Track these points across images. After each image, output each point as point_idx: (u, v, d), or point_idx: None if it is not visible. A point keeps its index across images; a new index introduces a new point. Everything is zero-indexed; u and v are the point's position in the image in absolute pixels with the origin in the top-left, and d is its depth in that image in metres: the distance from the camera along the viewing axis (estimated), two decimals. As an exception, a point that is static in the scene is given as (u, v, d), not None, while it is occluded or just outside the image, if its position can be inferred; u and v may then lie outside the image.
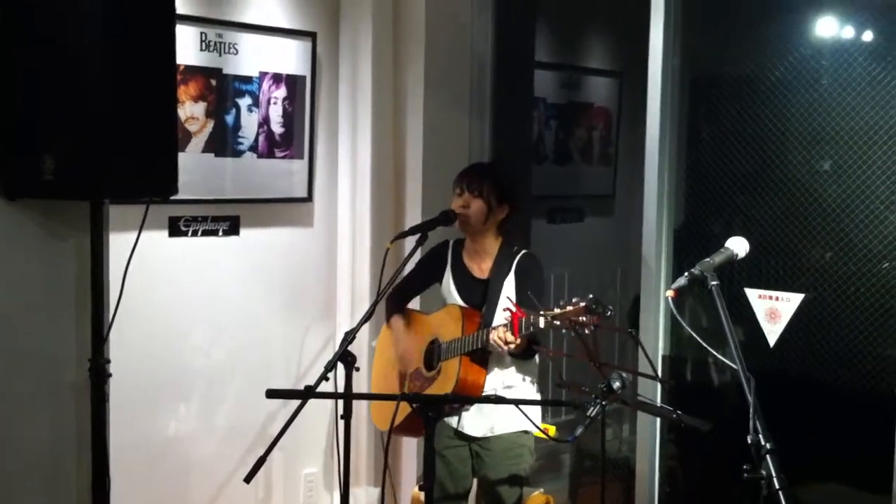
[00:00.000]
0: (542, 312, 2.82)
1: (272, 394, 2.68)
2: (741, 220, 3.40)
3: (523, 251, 3.36)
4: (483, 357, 3.26)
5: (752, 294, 3.30)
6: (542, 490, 3.71)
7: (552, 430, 3.27)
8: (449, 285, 3.43)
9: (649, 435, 3.61)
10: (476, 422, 3.32)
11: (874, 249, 3.07)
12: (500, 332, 3.06)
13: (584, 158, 5.39)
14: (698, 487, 3.72)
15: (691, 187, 3.60)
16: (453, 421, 3.35)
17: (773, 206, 3.32)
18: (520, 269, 3.31)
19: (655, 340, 3.56)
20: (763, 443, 2.03)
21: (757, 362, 3.19)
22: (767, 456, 2.01)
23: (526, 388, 3.34)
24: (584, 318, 2.71)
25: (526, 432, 3.31)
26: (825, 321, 3.18)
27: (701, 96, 3.63)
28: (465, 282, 3.41)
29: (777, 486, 1.96)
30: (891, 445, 2.96)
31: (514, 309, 2.97)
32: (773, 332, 3.26)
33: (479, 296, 3.34)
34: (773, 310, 3.25)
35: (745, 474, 2.00)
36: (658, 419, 3.61)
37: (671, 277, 3.53)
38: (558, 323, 2.77)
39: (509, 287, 3.29)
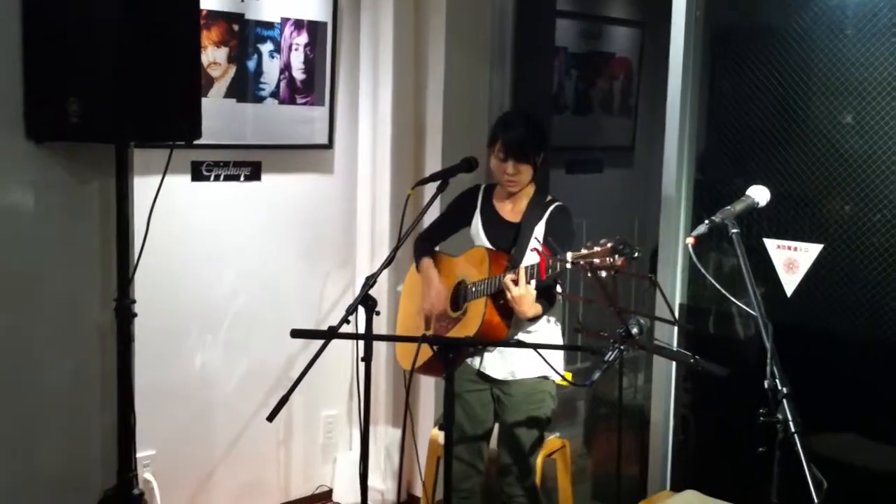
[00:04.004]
0: (568, 253, 2.82)
1: (297, 334, 2.72)
2: (762, 171, 3.39)
3: (557, 203, 3.35)
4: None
5: (771, 244, 3.31)
6: (558, 434, 3.77)
7: (568, 376, 3.31)
8: (478, 228, 3.44)
9: (664, 383, 3.65)
10: (498, 364, 3.35)
11: (895, 201, 3.07)
12: (513, 276, 3.07)
13: (604, 109, 5.38)
14: (712, 436, 3.76)
15: (712, 138, 3.60)
16: (475, 362, 3.39)
17: (794, 157, 3.31)
18: (551, 220, 3.31)
19: (673, 290, 3.58)
20: (780, 387, 2.04)
21: (774, 312, 3.19)
22: (784, 400, 2.02)
23: (549, 330, 3.36)
24: (611, 260, 2.69)
25: (546, 378, 3.34)
26: (843, 272, 3.19)
27: (723, 47, 3.60)
28: (493, 224, 3.41)
29: (792, 430, 1.98)
30: (907, 398, 2.99)
31: (541, 250, 2.97)
32: (790, 283, 3.27)
33: (508, 239, 3.34)
34: (792, 260, 3.27)
35: (762, 418, 2.02)
36: (673, 367, 3.65)
37: (690, 228, 3.54)
38: (583, 263, 2.76)
39: (539, 234, 3.29)
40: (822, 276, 3.23)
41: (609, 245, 2.70)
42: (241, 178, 4.07)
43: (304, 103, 4.18)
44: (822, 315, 3.25)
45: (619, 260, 2.68)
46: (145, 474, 3.82)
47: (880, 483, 3.20)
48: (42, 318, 3.21)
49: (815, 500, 1.86)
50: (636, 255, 2.70)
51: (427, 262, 3.55)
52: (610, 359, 2.69)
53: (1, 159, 3.09)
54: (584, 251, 2.76)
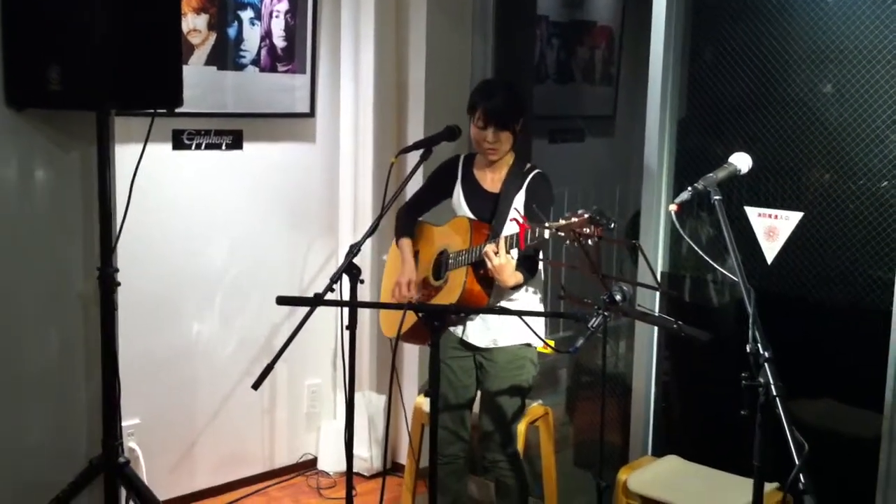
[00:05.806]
0: (546, 224, 2.85)
1: (282, 301, 2.72)
2: (743, 140, 3.41)
3: (536, 170, 3.36)
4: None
5: (752, 212, 3.34)
6: (541, 402, 3.80)
7: (552, 343, 3.33)
8: (459, 198, 3.44)
9: (646, 351, 3.68)
10: (480, 333, 3.37)
11: (874, 169, 3.10)
12: (493, 246, 3.09)
13: (586, 78, 5.38)
14: (693, 402, 3.80)
15: (694, 107, 3.61)
16: (458, 330, 3.40)
17: (775, 126, 3.34)
18: (531, 187, 3.31)
19: (655, 258, 3.60)
20: (761, 351, 2.06)
21: (755, 280, 3.24)
22: (765, 364, 2.04)
23: (529, 299, 3.38)
24: (588, 230, 2.74)
25: (528, 345, 3.36)
26: (822, 240, 3.23)
27: (705, 15, 3.61)
28: (474, 194, 3.41)
29: (774, 393, 2.00)
30: (883, 364, 3.02)
31: (521, 220, 2.99)
32: (771, 250, 3.31)
33: (489, 209, 3.35)
34: (772, 228, 3.30)
35: (744, 382, 2.04)
36: (655, 335, 3.68)
37: (672, 196, 3.57)
38: (563, 234, 2.80)
39: (519, 203, 3.30)
40: (801, 243, 3.27)
41: (586, 216, 2.75)
42: (223, 147, 4.05)
43: (286, 71, 4.16)
44: (801, 282, 3.29)
45: (596, 230, 2.73)
46: (130, 443, 3.83)
47: (856, 448, 3.25)
48: (24, 287, 3.19)
49: (797, 463, 1.88)
50: (612, 225, 2.76)
51: (405, 242, 3.55)
52: (594, 325, 2.71)
53: (-20, 127, 3.06)
54: (562, 221, 2.80)
